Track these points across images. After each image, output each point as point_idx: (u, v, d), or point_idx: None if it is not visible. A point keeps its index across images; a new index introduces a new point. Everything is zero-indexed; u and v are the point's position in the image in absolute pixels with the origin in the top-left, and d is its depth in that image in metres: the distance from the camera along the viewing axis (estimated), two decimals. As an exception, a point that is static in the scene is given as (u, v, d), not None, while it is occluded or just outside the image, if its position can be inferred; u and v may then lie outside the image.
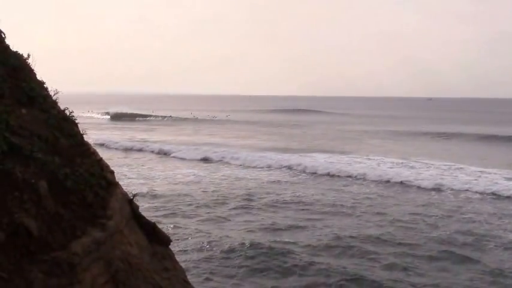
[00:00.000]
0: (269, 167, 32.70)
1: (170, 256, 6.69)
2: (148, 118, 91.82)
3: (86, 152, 6.47)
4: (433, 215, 20.09)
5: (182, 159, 37.29)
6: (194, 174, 29.47)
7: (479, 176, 28.93)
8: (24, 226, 4.99)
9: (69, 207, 5.56)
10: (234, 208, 21.03)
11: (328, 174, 29.88)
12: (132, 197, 6.64)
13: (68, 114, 6.75)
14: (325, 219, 19.37)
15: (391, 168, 32.07)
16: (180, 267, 6.83)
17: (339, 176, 29.54)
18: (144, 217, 6.68)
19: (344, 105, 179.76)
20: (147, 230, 6.55)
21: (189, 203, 21.56)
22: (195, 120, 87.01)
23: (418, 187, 26.48)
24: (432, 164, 33.76)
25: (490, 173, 29.88)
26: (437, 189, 25.73)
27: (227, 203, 21.81)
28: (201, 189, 24.70)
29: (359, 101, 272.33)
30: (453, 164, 33.74)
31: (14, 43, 6.80)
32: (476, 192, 24.83)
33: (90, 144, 6.72)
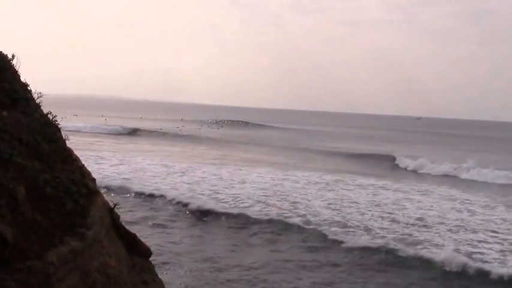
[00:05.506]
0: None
1: (150, 269, 6.53)
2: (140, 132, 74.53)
3: (67, 158, 6.31)
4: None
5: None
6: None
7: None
8: (-1, 233, 4.81)
9: (47, 214, 5.39)
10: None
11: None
12: (113, 206, 6.48)
13: (51, 118, 6.59)
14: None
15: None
16: (160, 280, 6.67)
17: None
18: (124, 227, 6.52)
19: (315, 120, 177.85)
20: (127, 241, 6.39)
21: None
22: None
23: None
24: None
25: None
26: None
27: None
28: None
29: (342, 117, 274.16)
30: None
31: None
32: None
33: (72, 150, 6.56)
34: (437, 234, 19.90)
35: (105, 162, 35.56)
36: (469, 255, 17.25)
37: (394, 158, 50.51)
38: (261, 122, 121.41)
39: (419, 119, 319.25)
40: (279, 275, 15.11)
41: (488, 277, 15.35)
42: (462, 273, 15.71)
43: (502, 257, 17.27)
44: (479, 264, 16.25)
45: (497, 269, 15.85)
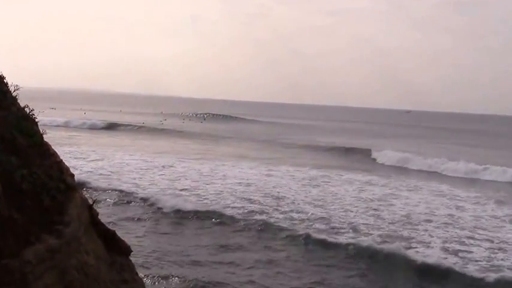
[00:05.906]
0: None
1: (130, 267, 6.39)
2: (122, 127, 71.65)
3: (45, 153, 6.16)
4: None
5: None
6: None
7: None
8: (-26, 230, 4.66)
9: (24, 211, 5.24)
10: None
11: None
12: (92, 203, 6.33)
13: (28, 112, 6.42)
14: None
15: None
16: (140, 279, 6.53)
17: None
18: (103, 224, 6.38)
19: (299, 114, 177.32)
20: (106, 238, 6.24)
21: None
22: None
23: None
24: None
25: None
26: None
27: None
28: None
29: (329, 110, 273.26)
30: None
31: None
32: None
33: (50, 145, 6.39)
34: (424, 231, 19.83)
35: (84, 158, 35.09)
36: (456, 253, 17.21)
37: (380, 153, 49.93)
38: (244, 115, 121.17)
39: (409, 112, 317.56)
40: (263, 272, 14.99)
41: (475, 275, 15.23)
42: (448, 271, 15.61)
43: (492, 255, 17.17)
44: (466, 262, 16.23)
45: (484, 268, 15.78)
